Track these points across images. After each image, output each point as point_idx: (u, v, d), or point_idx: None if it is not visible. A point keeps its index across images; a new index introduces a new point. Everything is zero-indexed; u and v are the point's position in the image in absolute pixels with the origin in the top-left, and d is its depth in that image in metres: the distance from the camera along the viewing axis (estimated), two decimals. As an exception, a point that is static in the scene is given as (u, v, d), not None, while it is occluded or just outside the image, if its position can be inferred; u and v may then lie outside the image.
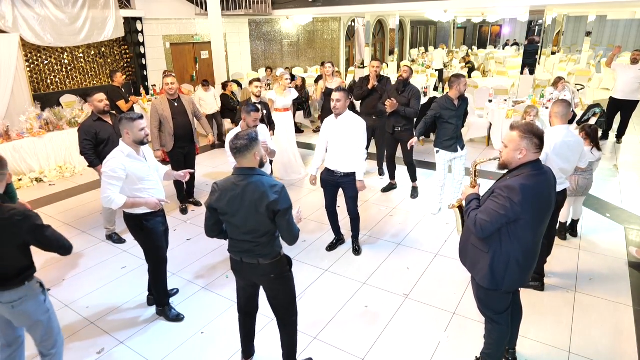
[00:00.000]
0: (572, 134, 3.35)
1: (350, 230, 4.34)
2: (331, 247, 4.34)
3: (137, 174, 3.03)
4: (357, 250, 4.27)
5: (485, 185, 2.64)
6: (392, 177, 5.88)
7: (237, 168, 2.40)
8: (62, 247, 2.36)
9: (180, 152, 5.07)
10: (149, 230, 3.18)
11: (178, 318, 3.40)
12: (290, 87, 6.30)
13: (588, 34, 15.46)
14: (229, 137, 3.91)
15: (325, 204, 4.21)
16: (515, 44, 21.16)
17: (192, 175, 5.35)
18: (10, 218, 2.18)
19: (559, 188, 3.31)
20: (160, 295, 3.41)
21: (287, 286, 2.59)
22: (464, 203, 2.65)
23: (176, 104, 4.94)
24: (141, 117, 3.06)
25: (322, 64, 7.07)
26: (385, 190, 5.85)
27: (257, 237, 2.40)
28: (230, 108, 8.17)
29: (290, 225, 2.39)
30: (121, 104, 6.55)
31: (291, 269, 2.60)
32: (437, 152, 4.90)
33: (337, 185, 4.08)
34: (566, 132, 3.31)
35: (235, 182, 2.36)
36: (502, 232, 2.28)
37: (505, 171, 2.41)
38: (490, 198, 2.31)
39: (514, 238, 2.28)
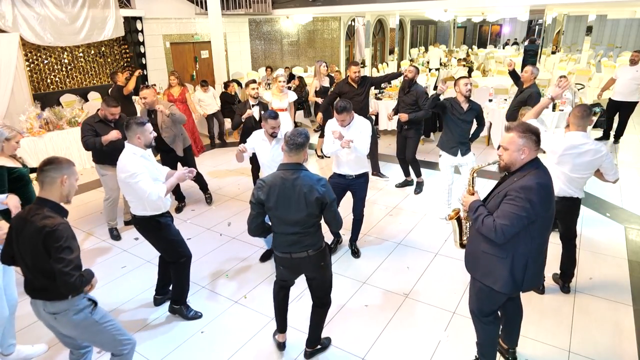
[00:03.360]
0: (585, 142, 3.11)
1: (349, 231, 4.31)
2: (331, 249, 4.31)
3: (151, 174, 3.06)
4: (355, 253, 4.23)
5: (481, 184, 2.64)
6: (406, 173, 5.91)
7: (284, 164, 2.54)
8: (65, 283, 2.05)
9: (168, 159, 4.98)
10: (166, 226, 3.20)
11: (196, 316, 3.40)
12: (288, 89, 6.25)
13: (588, 33, 15.45)
14: (255, 138, 3.91)
15: None
16: (515, 43, 21.15)
17: (199, 174, 5.32)
18: (43, 228, 2.06)
19: (556, 191, 3.14)
20: (182, 292, 3.38)
21: (329, 273, 2.80)
22: (462, 213, 2.62)
23: (153, 115, 4.84)
24: (148, 121, 3.13)
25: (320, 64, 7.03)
26: (401, 185, 5.93)
27: (305, 228, 2.54)
28: (231, 103, 8.16)
29: (337, 214, 2.59)
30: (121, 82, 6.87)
31: (331, 256, 2.72)
32: (440, 155, 4.83)
33: (346, 189, 4.03)
34: (577, 140, 3.12)
35: (284, 176, 2.49)
36: (519, 233, 2.22)
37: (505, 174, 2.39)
38: (505, 201, 2.22)
39: (530, 238, 2.25)
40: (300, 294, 3.51)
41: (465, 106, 4.51)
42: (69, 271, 2.05)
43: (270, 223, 2.67)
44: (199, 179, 5.42)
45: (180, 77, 7.14)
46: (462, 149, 4.63)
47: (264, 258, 4.18)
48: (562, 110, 7.06)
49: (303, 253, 2.58)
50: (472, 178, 2.57)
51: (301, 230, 2.53)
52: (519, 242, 2.25)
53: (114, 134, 4.16)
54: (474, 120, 4.66)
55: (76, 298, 2.22)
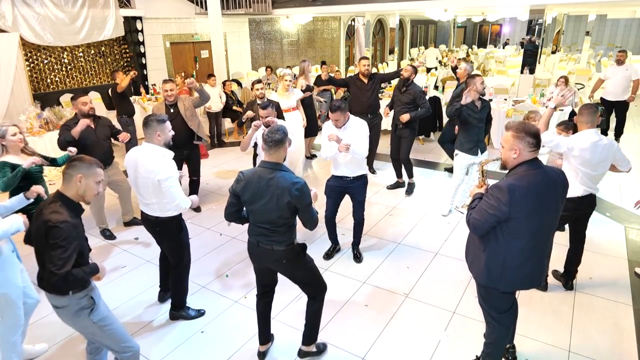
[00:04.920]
0: (600, 138, 3.20)
1: (349, 235, 4.25)
2: (328, 255, 4.21)
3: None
4: (357, 257, 4.14)
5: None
6: (399, 175, 5.88)
7: (264, 161, 2.53)
8: (49, 280, 2.07)
9: (178, 158, 4.95)
10: (185, 229, 3.23)
11: (200, 314, 3.41)
12: (294, 87, 6.26)
13: (588, 33, 15.44)
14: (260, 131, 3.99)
15: (326, 213, 4.02)
16: (522, 43, 21.11)
17: (197, 180, 5.31)
18: (47, 222, 2.10)
19: (581, 192, 3.27)
20: (183, 297, 3.38)
21: (300, 268, 2.71)
22: None
23: (172, 110, 4.81)
24: (169, 118, 3.13)
25: (303, 61, 7.09)
26: (392, 187, 5.87)
27: (275, 227, 2.54)
28: (229, 107, 8.14)
29: (311, 215, 2.55)
30: (120, 81, 6.72)
31: (305, 254, 2.71)
32: (456, 154, 4.77)
33: (344, 192, 3.97)
34: (593, 137, 3.18)
35: (261, 174, 2.49)
36: (497, 231, 2.29)
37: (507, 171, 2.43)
38: (483, 197, 2.34)
39: (508, 238, 2.28)
40: (299, 294, 3.51)
41: (479, 104, 4.50)
42: (54, 270, 2.06)
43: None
44: (194, 187, 5.37)
45: (188, 77, 7.20)
46: (481, 148, 4.65)
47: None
48: (562, 110, 7.05)
49: (268, 245, 2.59)
50: (482, 171, 2.63)
51: (270, 228, 2.54)
52: (496, 239, 2.32)
53: (85, 122, 4.07)
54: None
55: (76, 296, 2.23)
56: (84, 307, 2.26)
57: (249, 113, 4.99)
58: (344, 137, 3.73)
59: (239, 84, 10.08)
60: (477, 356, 2.84)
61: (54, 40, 7.89)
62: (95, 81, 9.15)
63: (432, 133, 8.30)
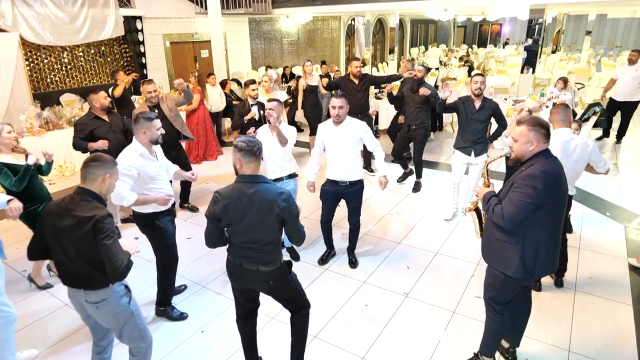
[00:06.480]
0: (572, 137, 3.27)
1: (345, 239, 4.21)
2: (323, 261, 4.12)
3: (149, 173, 3.05)
4: (352, 263, 4.05)
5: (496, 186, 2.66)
6: (405, 166, 5.96)
7: (242, 175, 2.35)
8: (113, 266, 2.13)
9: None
10: (160, 229, 3.20)
11: (182, 317, 3.39)
12: (275, 89, 6.28)
13: (588, 32, 15.44)
14: (261, 132, 3.93)
15: (322, 217, 3.97)
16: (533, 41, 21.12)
17: (187, 182, 5.27)
18: (92, 217, 2.13)
19: None
20: (167, 294, 3.39)
21: (286, 287, 2.54)
22: (479, 204, 2.72)
23: (155, 111, 4.73)
24: (157, 116, 3.11)
25: (303, 63, 7.08)
26: (402, 178, 5.98)
27: (262, 245, 2.37)
28: (230, 105, 8.12)
29: (299, 229, 2.43)
30: (119, 82, 6.62)
31: (291, 271, 2.57)
32: (454, 152, 4.79)
33: (340, 196, 3.88)
34: (565, 136, 3.26)
35: (242, 190, 2.30)
36: (527, 220, 2.33)
37: (511, 166, 2.47)
38: (512, 189, 2.36)
39: (538, 225, 2.34)
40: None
41: (477, 105, 4.42)
42: (120, 265, 2.14)
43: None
44: (186, 187, 5.34)
45: (201, 77, 7.24)
46: (476, 149, 4.50)
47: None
48: (562, 109, 7.05)
49: (254, 266, 2.39)
50: (487, 170, 2.69)
51: (257, 247, 2.36)
52: (528, 229, 2.35)
53: (100, 144, 4.16)
54: (492, 118, 4.53)
55: (115, 285, 2.28)
56: (123, 294, 2.33)
57: (253, 113, 4.95)
58: (340, 136, 3.70)
59: (239, 83, 10.07)
60: (475, 353, 2.84)
61: (53, 40, 7.89)
62: (95, 81, 9.15)
63: (432, 133, 8.31)
